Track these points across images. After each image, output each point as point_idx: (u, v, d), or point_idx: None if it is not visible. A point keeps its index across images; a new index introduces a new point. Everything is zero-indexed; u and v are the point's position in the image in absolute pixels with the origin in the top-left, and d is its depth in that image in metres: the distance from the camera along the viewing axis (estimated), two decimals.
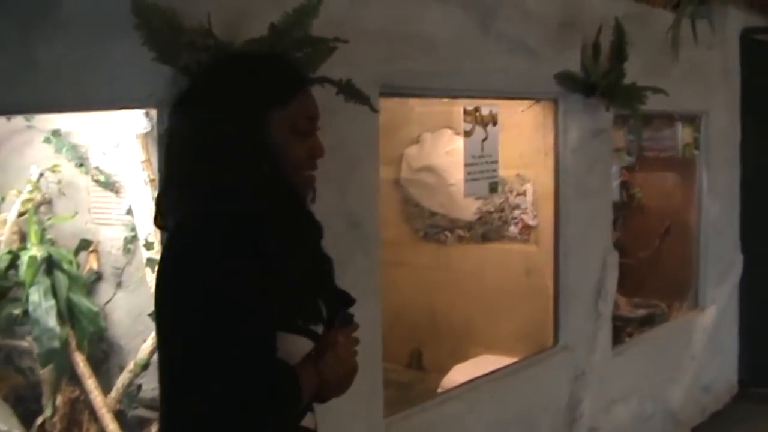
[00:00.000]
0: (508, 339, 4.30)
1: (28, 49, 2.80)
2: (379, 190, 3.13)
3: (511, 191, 4.34)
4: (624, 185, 5.54)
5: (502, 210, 4.38)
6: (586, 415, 4.10)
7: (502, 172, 4.29)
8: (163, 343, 1.86)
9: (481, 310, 4.44)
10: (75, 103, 2.94)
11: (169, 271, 1.81)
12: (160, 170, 2.61)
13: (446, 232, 4.57)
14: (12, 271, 3.70)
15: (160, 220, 1.95)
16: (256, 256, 1.75)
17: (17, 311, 3.64)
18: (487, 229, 4.46)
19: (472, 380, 3.82)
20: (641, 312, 5.26)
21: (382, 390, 3.16)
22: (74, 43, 2.68)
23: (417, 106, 4.42)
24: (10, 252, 3.71)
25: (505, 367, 3.90)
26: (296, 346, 1.89)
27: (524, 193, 4.31)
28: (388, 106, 4.21)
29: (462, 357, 4.35)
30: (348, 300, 2.10)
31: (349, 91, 2.43)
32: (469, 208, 4.43)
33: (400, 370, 4.69)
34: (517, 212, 4.35)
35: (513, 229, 4.37)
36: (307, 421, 2.00)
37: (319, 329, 1.96)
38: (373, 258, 3.11)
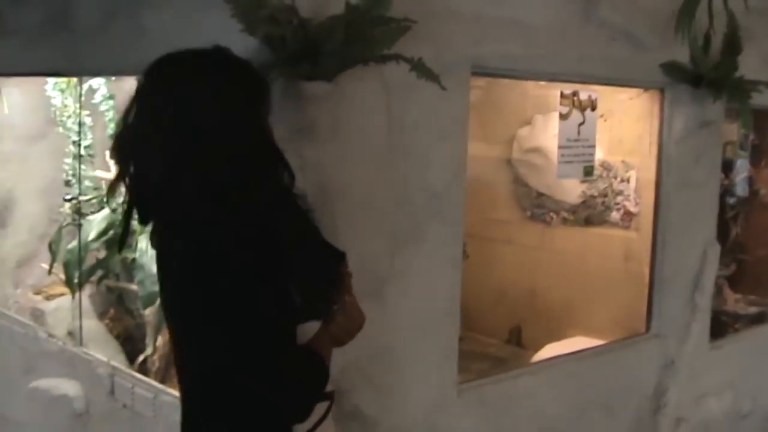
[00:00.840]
0: (603, 323, 4.36)
1: (137, 18, 3.09)
2: (466, 165, 3.22)
3: (615, 177, 4.40)
4: (749, 181, 5.48)
5: (606, 195, 4.45)
6: (671, 405, 4.14)
7: (608, 158, 4.37)
8: (177, 328, 2.05)
9: (580, 292, 4.52)
10: None
11: (187, 268, 1.91)
12: None
13: (551, 214, 4.66)
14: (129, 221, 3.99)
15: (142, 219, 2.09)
16: (273, 247, 1.90)
17: (131, 257, 3.94)
18: (591, 213, 4.53)
19: (551, 358, 3.93)
20: (753, 309, 5.21)
21: (456, 355, 3.29)
22: (177, 12, 2.97)
23: (532, 89, 4.52)
24: (126, 202, 3.99)
25: (588, 349, 3.98)
26: (309, 329, 2.06)
27: (628, 180, 4.35)
28: (502, 88, 4.37)
29: (558, 337, 4.43)
30: (337, 253, 2.22)
31: (421, 68, 2.57)
32: (573, 191, 4.51)
33: (499, 345, 4.80)
34: (620, 198, 4.41)
35: (615, 215, 4.42)
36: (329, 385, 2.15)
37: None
38: (455, 230, 3.22)
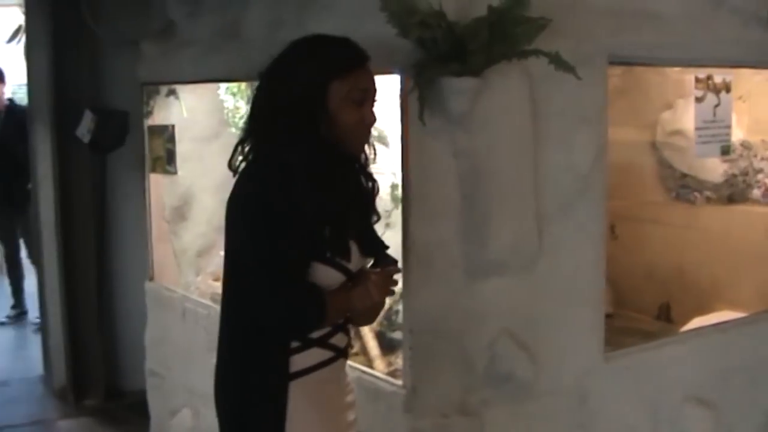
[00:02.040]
0: (748, 296, 4.50)
1: (301, 26, 3.44)
2: (607, 147, 3.46)
3: (755, 156, 4.56)
4: None
5: (747, 173, 4.60)
6: None
7: (749, 137, 4.53)
8: (226, 258, 2.50)
9: (725, 268, 4.65)
10: None
11: (231, 207, 2.44)
12: None
13: (695, 193, 4.81)
14: None
15: (232, 165, 2.55)
16: (290, 202, 2.31)
17: None
18: (733, 191, 4.68)
19: (695, 328, 4.12)
20: None
21: (603, 324, 3.53)
22: (338, 20, 3.30)
23: (673, 74, 4.70)
24: None
25: (732, 320, 4.16)
26: (327, 275, 2.44)
27: None
28: (645, 74, 4.57)
29: (705, 311, 4.56)
30: (384, 247, 2.63)
31: (558, 61, 2.85)
32: (716, 171, 4.66)
33: (649, 321, 4.98)
34: (760, 176, 4.56)
35: (756, 192, 4.58)
36: (338, 340, 2.57)
37: (349, 265, 2.49)
38: (598, 208, 3.45)
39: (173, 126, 4.94)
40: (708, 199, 4.79)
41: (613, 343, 3.62)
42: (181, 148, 4.98)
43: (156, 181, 5.07)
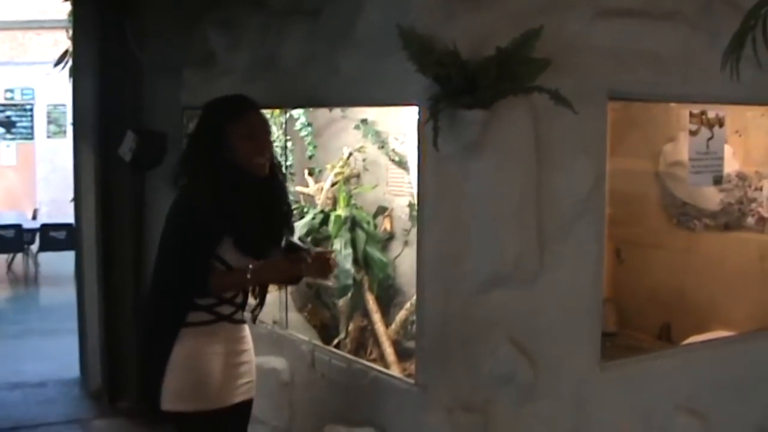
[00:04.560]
0: (743, 317, 4.79)
1: (333, 61, 3.85)
2: (606, 175, 3.77)
3: (750, 186, 4.88)
4: None
5: (742, 202, 4.93)
6: None
7: (744, 169, 4.85)
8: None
9: (722, 290, 4.95)
10: (363, 100, 4.02)
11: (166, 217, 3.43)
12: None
13: (695, 221, 5.12)
14: (324, 227, 4.74)
15: (174, 184, 3.49)
16: (198, 217, 3.29)
17: None
18: (729, 219, 5.00)
19: (689, 343, 4.44)
20: None
21: (599, 335, 3.85)
22: (365, 56, 3.69)
23: (676, 108, 5.02)
24: (322, 212, 4.76)
25: (725, 337, 4.47)
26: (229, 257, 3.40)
27: (761, 188, 4.83)
28: (650, 109, 4.90)
29: (704, 331, 4.84)
30: (299, 248, 3.63)
31: (558, 97, 3.21)
32: (713, 200, 4.97)
33: (651, 340, 5.27)
34: (754, 205, 4.89)
35: (750, 220, 4.90)
36: (221, 309, 3.47)
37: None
38: (597, 230, 3.78)
39: None
40: (706, 226, 5.09)
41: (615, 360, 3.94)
42: None
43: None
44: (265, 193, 3.51)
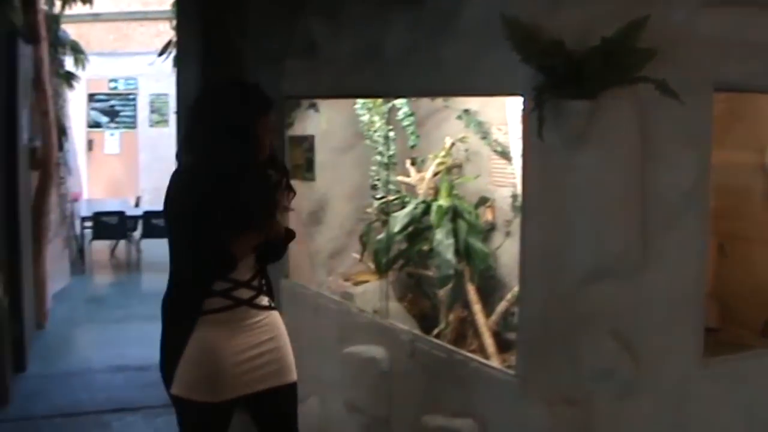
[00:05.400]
0: None
1: (435, 50, 3.85)
2: (710, 167, 3.69)
3: None
4: None
5: None
6: None
7: None
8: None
9: None
10: (467, 90, 3.99)
11: (168, 192, 3.52)
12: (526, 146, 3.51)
13: None
14: (426, 217, 4.74)
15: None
16: (212, 191, 3.41)
17: (426, 247, 4.69)
18: None
19: None
20: None
21: (702, 330, 3.76)
22: (468, 45, 3.67)
23: None
24: (424, 202, 4.77)
25: None
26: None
27: None
28: (756, 101, 4.78)
29: None
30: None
31: (664, 88, 3.16)
32: None
33: (754, 337, 5.15)
34: None
35: None
36: (240, 293, 3.58)
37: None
38: (701, 224, 3.70)
39: (312, 136, 5.36)
40: None
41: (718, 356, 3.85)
42: (319, 158, 5.41)
43: (294, 187, 5.47)
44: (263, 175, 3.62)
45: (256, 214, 3.53)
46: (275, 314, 3.79)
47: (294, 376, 3.81)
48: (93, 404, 6.32)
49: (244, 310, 3.61)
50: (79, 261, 12.47)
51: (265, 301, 3.73)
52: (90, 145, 16.10)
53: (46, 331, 8.76)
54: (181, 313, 3.57)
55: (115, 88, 16.42)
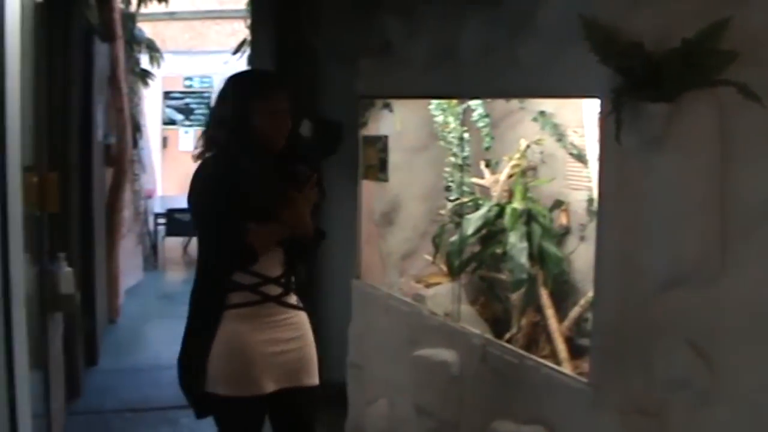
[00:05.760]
0: None
1: (510, 51, 3.79)
2: None
3: None
4: None
5: None
6: None
7: None
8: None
9: None
10: (543, 92, 3.92)
11: (190, 186, 3.60)
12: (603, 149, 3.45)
13: None
14: (499, 220, 4.67)
15: (196, 157, 3.71)
16: (227, 183, 3.50)
17: (500, 251, 4.63)
18: None
19: None
20: None
21: None
22: (545, 45, 3.61)
23: None
24: (498, 204, 4.71)
25: None
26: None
27: None
28: None
29: None
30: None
31: (746, 91, 3.07)
32: None
33: None
34: None
35: None
36: (268, 290, 3.65)
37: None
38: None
39: (386, 137, 5.33)
40: None
41: None
42: (393, 158, 5.36)
43: (367, 187, 5.49)
44: (281, 165, 3.68)
45: (260, 203, 3.57)
46: (303, 315, 3.81)
47: (316, 380, 3.81)
48: (161, 400, 6.46)
49: (271, 306, 3.65)
50: (152, 257, 12.63)
51: (293, 299, 3.76)
52: (165, 142, 16.26)
53: (117, 326, 8.92)
54: (205, 308, 3.62)
55: (190, 86, 16.56)
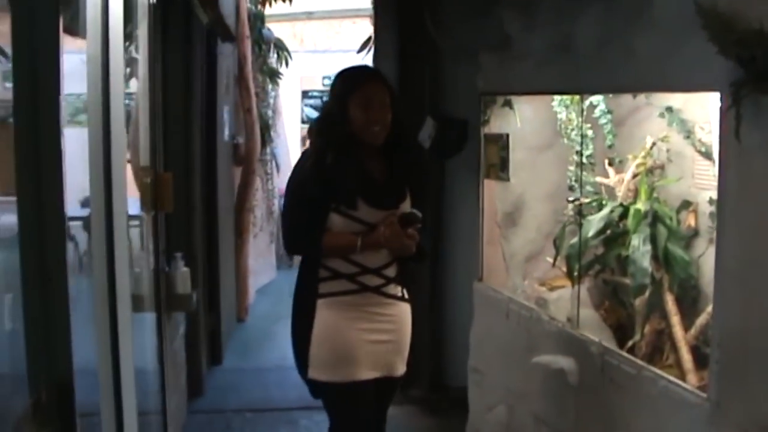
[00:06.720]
0: None
1: (629, 43, 3.58)
2: None
3: None
4: None
5: None
6: None
7: None
8: None
9: None
10: (660, 86, 3.67)
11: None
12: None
13: None
14: (623, 221, 4.45)
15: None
16: (320, 172, 3.64)
17: (624, 253, 4.39)
18: None
19: None
20: None
21: None
22: (663, 37, 3.39)
23: None
24: (622, 205, 4.48)
25: None
26: (336, 221, 3.67)
27: None
28: None
29: None
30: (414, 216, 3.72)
31: None
32: None
33: None
34: None
35: None
36: (366, 280, 3.72)
37: (356, 213, 3.67)
38: None
39: (508, 135, 5.16)
40: None
41: None
42: (515, 157, 5.20)
43: (489, 187, 5.33)
44: (386, 157, 3.78)
45: (345, 191, 3.67)
46: (404, 306, 3.85)
47: (404, 369, 3.91)
48: (283, 401, 6.42)
49: (369, 296, 3.72)
50: (286, 256, 12.69)
51: (396, 290, 3.81)
52: (304, 141, 16.38)
53: (246, 325, 8.97)
54: (302, 295, 3.76)
55: (328, 84, 16.62)
